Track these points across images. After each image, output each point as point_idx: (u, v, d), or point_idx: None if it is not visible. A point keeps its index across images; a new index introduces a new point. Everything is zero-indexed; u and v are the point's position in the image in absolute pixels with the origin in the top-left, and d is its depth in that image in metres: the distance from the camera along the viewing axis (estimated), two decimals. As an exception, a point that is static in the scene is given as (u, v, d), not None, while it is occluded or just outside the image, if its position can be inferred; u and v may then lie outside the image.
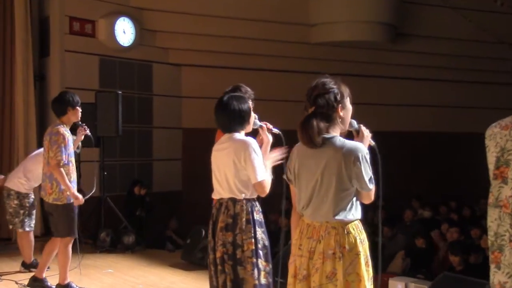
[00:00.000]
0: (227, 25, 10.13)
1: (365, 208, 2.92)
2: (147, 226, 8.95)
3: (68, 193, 5.06)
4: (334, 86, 2.86)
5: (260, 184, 3.38)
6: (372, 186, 2.80)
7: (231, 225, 3.40)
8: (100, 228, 7.78)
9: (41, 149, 5.78)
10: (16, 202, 6.03)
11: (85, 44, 8.98)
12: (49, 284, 5.39)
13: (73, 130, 5.44)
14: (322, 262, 2.76)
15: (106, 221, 7.88)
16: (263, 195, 3.52)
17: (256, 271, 3.36)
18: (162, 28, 9.91)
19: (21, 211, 6.04)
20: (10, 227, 6.27)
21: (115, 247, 7.64)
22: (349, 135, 2.96)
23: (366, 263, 2.80)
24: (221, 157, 3.47)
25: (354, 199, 2.81)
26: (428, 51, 12.03)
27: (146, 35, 9.70)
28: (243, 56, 10.56)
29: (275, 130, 3.69)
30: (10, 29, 8.40)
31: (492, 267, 2.28)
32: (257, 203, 3.50)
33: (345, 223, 2.78)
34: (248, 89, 4.37)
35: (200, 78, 10.18)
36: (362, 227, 2.85)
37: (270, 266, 3.45)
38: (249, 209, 3.42)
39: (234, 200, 3.42)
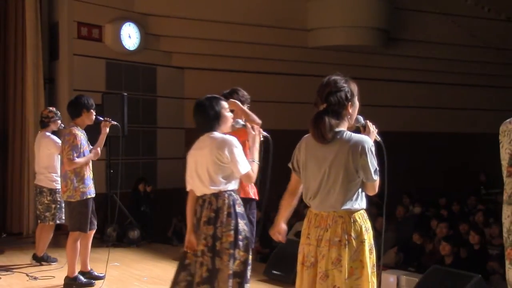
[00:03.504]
0: (228, 30, 10.14)
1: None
2: (152, 222, 8.95)
3: (82, 189, 5.16)
4: (345, 85, 2.90)
5: (246, 176, 3.48)
6: (376, 177, 2.82)
7: (213, 219, 3.43)
8: (107, 224, 7.79)
9: (40, 141, 6.10)
10: (49, 198, 6.09)
11: (92, 48, 8.99)
12: (95, 273, 5.51)
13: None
14: (328, 249, 2.77)
15: (112, 217, 7.82)
16: (250, 183, 3.74)
17: (231, 262, 3.37)
18: (165, 32, 9.91)
19: (53, 205, 6.09)
20: (39, 221, 6.24)
21: (121, 241, 7.65)
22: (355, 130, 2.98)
23: (370, 250, 2.82)
24: (202, 155, 3.49)
25: (360, 189, 2.84)
26: (419, 55, 12.05)
27: (150, 39, 9.71)
28: (243, 59, 10.57)
29: (264, 133, 3.70)
30: (22, 34, 8.43)
31: (507, 263, 2.23)
32: (238, 196, 3.55)
33: (351, 212, 2.80)
34: (245, 93, 4.44)
35: (202, 80, 10.16)
36: (367, 217, 2.87)
37: (248, 255, 3.46)
38: (231, 203, 3.45)
39: (216, 195, 3.46)
